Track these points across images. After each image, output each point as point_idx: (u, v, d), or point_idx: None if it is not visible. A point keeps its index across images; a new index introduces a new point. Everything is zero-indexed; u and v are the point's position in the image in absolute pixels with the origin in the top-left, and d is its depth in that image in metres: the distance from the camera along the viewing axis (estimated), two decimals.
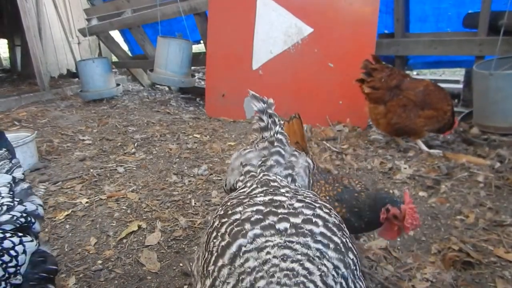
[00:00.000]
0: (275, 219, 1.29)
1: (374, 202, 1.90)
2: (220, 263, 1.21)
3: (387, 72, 4.16)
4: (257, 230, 1.26)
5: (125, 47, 9.44)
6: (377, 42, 5.08)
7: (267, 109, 1.82)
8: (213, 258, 1.25)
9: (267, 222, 1.28)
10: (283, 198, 1.42)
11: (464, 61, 5.94)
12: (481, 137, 4.36)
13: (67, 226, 2.95)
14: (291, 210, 1.34)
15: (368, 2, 4.97)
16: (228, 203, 1.47)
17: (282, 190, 1.51)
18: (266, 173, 1.69)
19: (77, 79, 9.31)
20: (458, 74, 8.66)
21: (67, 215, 3.10)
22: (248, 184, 1.63)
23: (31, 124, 5.85)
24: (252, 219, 1.30)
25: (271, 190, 1.52)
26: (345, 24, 5.09)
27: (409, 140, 4.37)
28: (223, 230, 1.31)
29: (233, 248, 1.23)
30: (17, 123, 5.92)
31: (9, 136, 4.31)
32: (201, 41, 7.54)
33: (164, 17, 6.83)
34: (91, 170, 3.96)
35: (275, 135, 1.80)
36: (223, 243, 1.26)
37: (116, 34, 9.02)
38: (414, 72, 8.06)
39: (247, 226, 1.28)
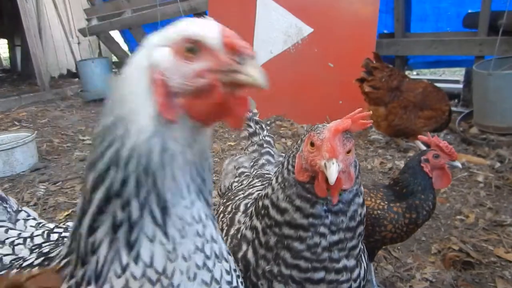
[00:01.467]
0: None
1: (411, 169, 1.88)
2: (232, 231, 1.31)
3: (388, 72, 4.16)
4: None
5: (125, 47, 9.44)
6: (377, 42, 5.08)
7: (253, 117, 1.97)
8: (225, 231, 1.35)
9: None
10: None
11: (465, 60, 5.94)
12: (480, 137, 4.36)
13: None
14: None
15: (368, 2, 4.97)
16: (229, 194, 1.60)
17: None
18: (259, 170, 1.83)
19: (77, 79, 9.31)
20: (458, 74, 8.66)
21: (67, 215, 3.10)
22: (244, 182, 1.74)
23: (31, 124, 5.85)
24: (254, 194, 1.44)
25: (267, 180, 1.65)
26: (345, 24, 5.08)
27: (408, 140, 4.38)
28: (228, 209, 1.43)
29: (236, 217, 1.35)
30: (17, 123, 5.92)
31: (9, 136, 4.34)
32: None
33: (164, 17, 6.83)
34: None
35: (264, 138, 1.96)
36: (230, 215, 1.38)
37: (116, 34, 9.02)
38: (414, 72, 8.04)
39: (250, 196, 1.43)
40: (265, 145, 1.94)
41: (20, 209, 1.45)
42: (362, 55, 4.38)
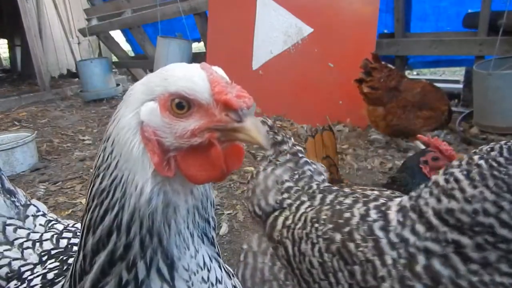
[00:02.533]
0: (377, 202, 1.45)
1: (410, 169, 1.90)
2: (389, 261, 1.26)
3: (386, 72, 4.16)
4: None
5: (126, 47, 9.44)
6: (377, 42, 5.07)
7: (274, 126, 1.87)
8: (371, 272, 1.28)
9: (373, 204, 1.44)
10: (366, 193, 1.55)
11: (465, 60, 5.93)
12: (480, 136, 4.35)
13: None
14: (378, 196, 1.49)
15: (368, 2, 4.97)
16: (324, 217, 1.48)
17: (349, 190, 1.64)
18: (311, 182, 1.75)
19: (77, 79, 9.31)
20: (458, 74, 8.66)
21: (67, 215, 3.10)
22: (305, 198, 1.65)
23: (31, 124, 5.85)
24: (370, 216, 1.39)
25: (343, 192, 1.61)
26: (345, 24, 5.09)
27: (408, 140, 4.38)
28: (358, 236, 1.34)
29: (384, 245, 1.28)
30: (17, 123, 5.92)
31: (9, 136, 4.34)
32: (201, 40, 7.55)
33: (164, 17, 6.83)
34: (91, 170, 3.96)
35: (294, 146, 1.85)
36: (371, 244, 1.30)
37: (118, 34, 9.03)
38: (414, 72, 8.04)
39: (369, 218, 1.37)
40: (300, 154, 1.84)
41: (28, 202, 1.40)
42: (362, 55, 4.37)
